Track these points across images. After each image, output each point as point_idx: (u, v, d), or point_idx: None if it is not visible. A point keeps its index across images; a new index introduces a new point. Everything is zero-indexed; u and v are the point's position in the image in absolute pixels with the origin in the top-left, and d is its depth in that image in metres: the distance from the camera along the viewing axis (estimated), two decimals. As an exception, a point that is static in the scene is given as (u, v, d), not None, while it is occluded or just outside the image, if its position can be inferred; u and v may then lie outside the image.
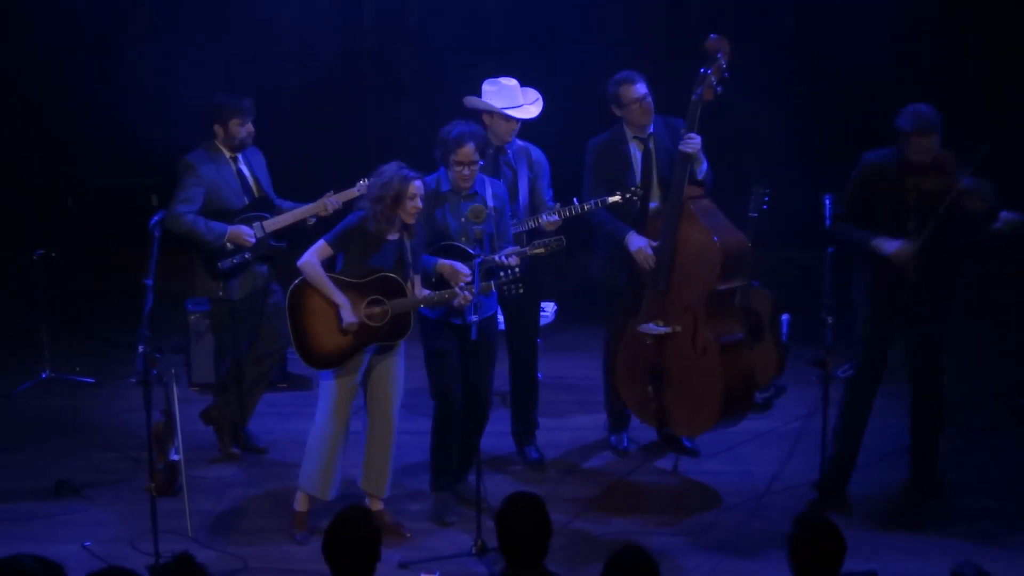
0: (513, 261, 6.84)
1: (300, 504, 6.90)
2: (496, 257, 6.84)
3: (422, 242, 6.84)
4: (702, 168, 7.41)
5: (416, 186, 6.62)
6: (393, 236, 6.71)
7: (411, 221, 6.66)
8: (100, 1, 10.87)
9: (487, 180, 7.08)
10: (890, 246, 6.88)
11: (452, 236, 6.97)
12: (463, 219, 6.98)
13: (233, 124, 7.51)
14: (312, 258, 6.68)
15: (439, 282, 6.86)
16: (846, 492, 7.20)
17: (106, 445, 7.92)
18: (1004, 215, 6.82)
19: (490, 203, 6.98)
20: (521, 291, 6.78)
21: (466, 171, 6.90)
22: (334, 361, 6.72)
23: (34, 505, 7.17)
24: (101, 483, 7.43)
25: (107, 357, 9.30)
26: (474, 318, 6.57)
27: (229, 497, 7.34)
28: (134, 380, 6.51)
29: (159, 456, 7.04)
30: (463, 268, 6.81)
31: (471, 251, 6.88)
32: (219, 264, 7.49)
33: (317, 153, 11.06)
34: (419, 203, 6.63)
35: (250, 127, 7.57)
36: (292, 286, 6.76)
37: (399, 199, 6.58)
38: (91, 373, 9.00)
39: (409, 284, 6.72)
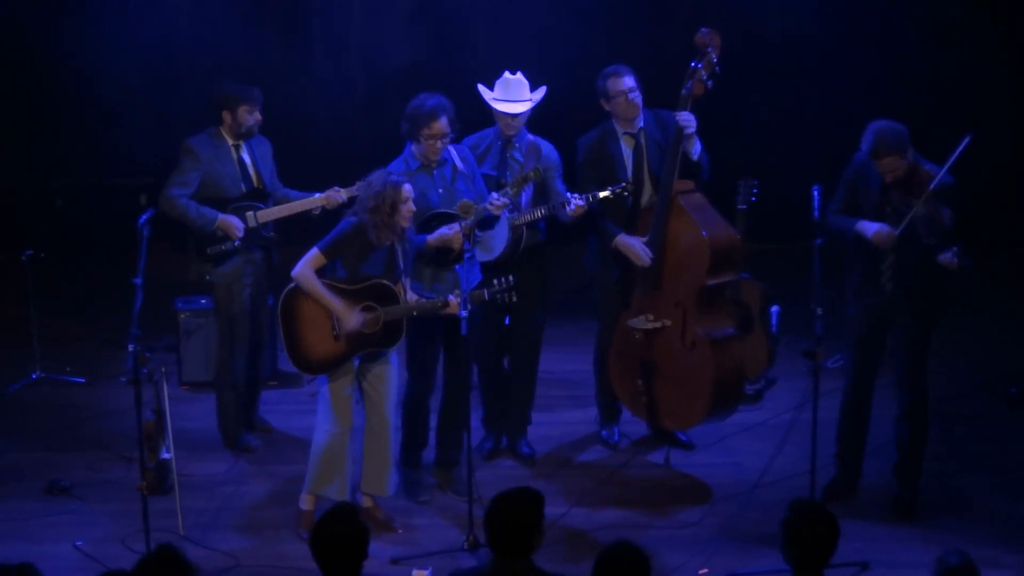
0: (500, 202, 6.95)
1: (306, 503, 6.86)
2: (484, 204, 6.94)
3: (413, 245, 6.86)
4: (696, 148, 7.30)
5: (407, 189, 6.62)
6: (386, 242, 6.71)
7: (406, 225, 6.66)
8: (89, 3, 10.86)
9: (451, 147, 7.13)
10: (870, 228, 6.83)
11: (434, 208, 7.02)
12: (440, 190, 7.03)
13: (242, 111, 7.55)
14: (306, 269, 6.64)
15: (435, 257, 6.91)
16: (856, 486, 7.23)
17: (97, 444, 7.90)
18: (946, 255, 6.63)
19: (460, 167, 7.08)
20: (515, 299, 6.78)
21: (439, 144, 6.98)
22: (327, 367, 6.71)
23: (25, 505, 7.16)
24: (92, 482, 7.41)
25: (97, 357, 9.27)
26: (464, 313, 6.56)
27: (220, 495, 7.32)
28: (124, 379, 6.50)
29: (150, 455, 7.03)
30: (448, 231, 6.89)
31: (454, 212, 6.93)
32: (207, 249, 7.54)
33: (308, 152, 11.07)
34: (412, 206, 6.65)
35: (258, 115, 7.61)
36: (285, 292, 6.74)
37: (396, 205, 6.58)
38: (81, 373, 8.97)
39: (398, 287, 6.72)
